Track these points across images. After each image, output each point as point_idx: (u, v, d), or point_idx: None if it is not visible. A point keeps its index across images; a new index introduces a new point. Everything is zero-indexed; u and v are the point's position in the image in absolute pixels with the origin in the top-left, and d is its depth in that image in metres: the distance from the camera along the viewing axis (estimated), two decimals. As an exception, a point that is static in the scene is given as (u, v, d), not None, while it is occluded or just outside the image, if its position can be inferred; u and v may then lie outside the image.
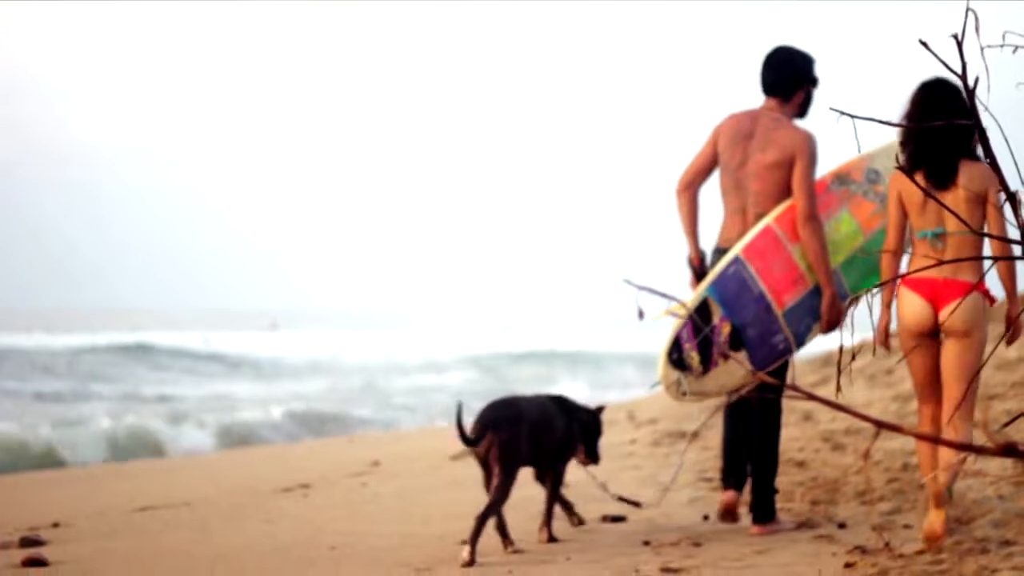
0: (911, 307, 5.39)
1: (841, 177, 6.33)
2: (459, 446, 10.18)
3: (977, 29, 2.83)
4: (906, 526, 5.82)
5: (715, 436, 9.74)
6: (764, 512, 6.13)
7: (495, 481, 5.69)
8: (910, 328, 5.41)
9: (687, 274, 6.36)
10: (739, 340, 5.95)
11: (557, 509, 6.14)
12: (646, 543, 5.79)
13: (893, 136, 6.06)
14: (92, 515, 7.51)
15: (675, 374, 5.88)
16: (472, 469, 9.17)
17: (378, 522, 6.79)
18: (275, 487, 8.52)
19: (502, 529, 5.78)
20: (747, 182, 6.21)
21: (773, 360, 6.03)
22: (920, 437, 2.50)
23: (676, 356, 5.89)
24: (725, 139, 6.28)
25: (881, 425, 2.50)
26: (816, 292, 6.12)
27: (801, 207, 6.06)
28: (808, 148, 6.13)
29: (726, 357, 5.85)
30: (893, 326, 5.65)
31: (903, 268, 5.62)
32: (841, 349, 3.51)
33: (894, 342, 5.78)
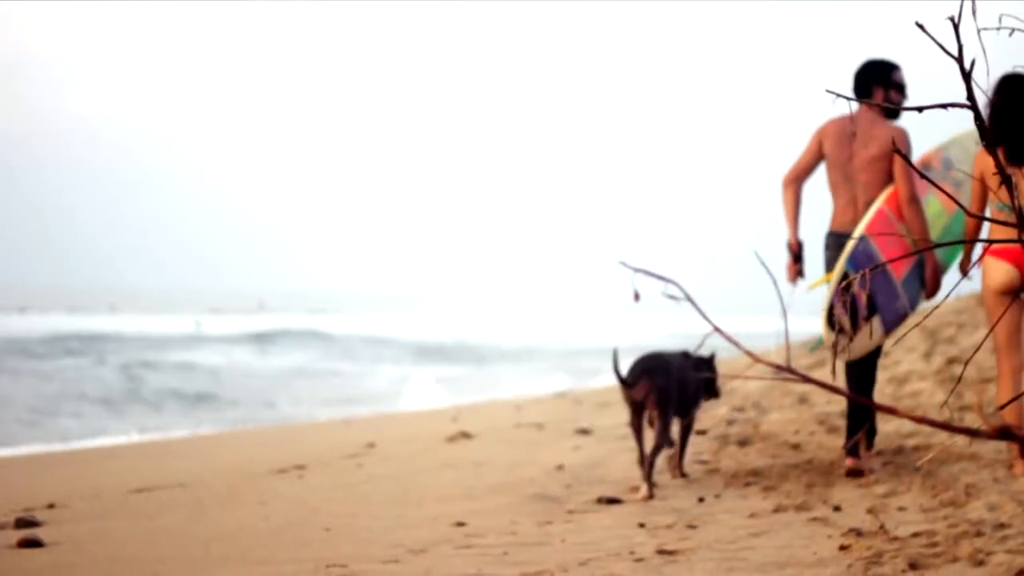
0: (999, 271, 6.29)
1: (924, 166, 7.44)
2: (454, 428, 10.16)
3: (974, 12, 2.83)
4: (901, 508, 5.82)
5: (710, 418, 9.75)
6: (856, 448, 7.04)
7: (657, 425, 6.81)
8: (996, 289, 6.30)
9: (785, 256, 7.44)
10: (873, 306, 7.01)
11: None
12: (641, 525, 5.80)
13: (962, 128, 7.48)
14: (87, 496, 7.51)
15: (833, 336, 6.93)
16: (466, 451, 9.20)
17: (373, 503, 6.80)
18: (270, 468, 8.53)
19: (650, 469, 6.71)
20: (855, 174, 7.20)
21: (897, 322, 7.16)
22: (914, 419, 2.50)
23: (833, 321, 6.90)
24: (831, 140, 7.28)
25: (877, 407, 2.50)
26: (920, 263, 7.24)
27: (903, 192, 7.10)
28: (904, 141, 7.16)
29: (866, 320, 6.94)
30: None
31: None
32: (837, 333, 3.50)
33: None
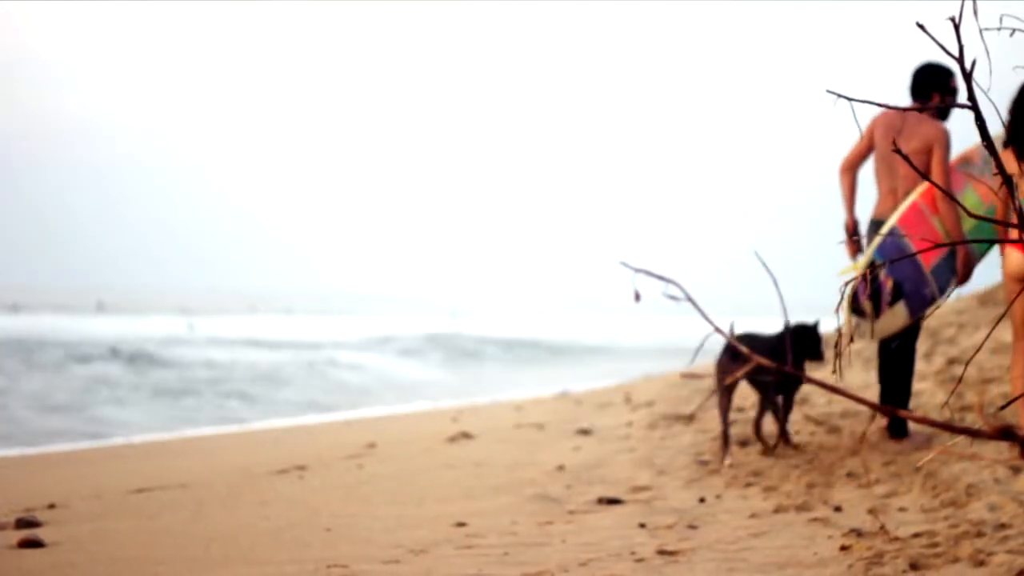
0: (1016, 259, 6.53)
1: (966, 160, 7.94)
2: (455, 428, 10.15)
3: (975, 12, 2.83)
4: (902, 509, 5.82)
5: (711, 419, 9.75)
6: (899, 429, 7.85)
7: (759, 401, 7.77)
8: (1014, 275, 6.54)
9: (841, 235, 8.11)
10: (899, 292, 7.58)
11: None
12: (642, 525, 5.80)
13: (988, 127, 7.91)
14: (88, 496, 7.51)
15: (855, 319, 7.57)
16: (467, 451, 9.19)
17: (373, 503, 6.80)
18: (271, 469, 8.53)
19: (725, 439, 7.65)
20: (897, 167, 7.80)
21: (925, 306, 7.69)
22: (914, 419, 2.49)
23: (856, 306, 7.52)
24: (880, 132, 7.87)
25: (878, 408, 2.50)
26: (952, 253, 7.73)
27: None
28: (944, 139, 7.72)
29: (890, 305, 7.58)
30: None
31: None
32: (839, 332, 3.51)
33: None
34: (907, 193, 7.72)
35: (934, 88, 7.89)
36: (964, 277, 7.82)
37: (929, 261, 7.64)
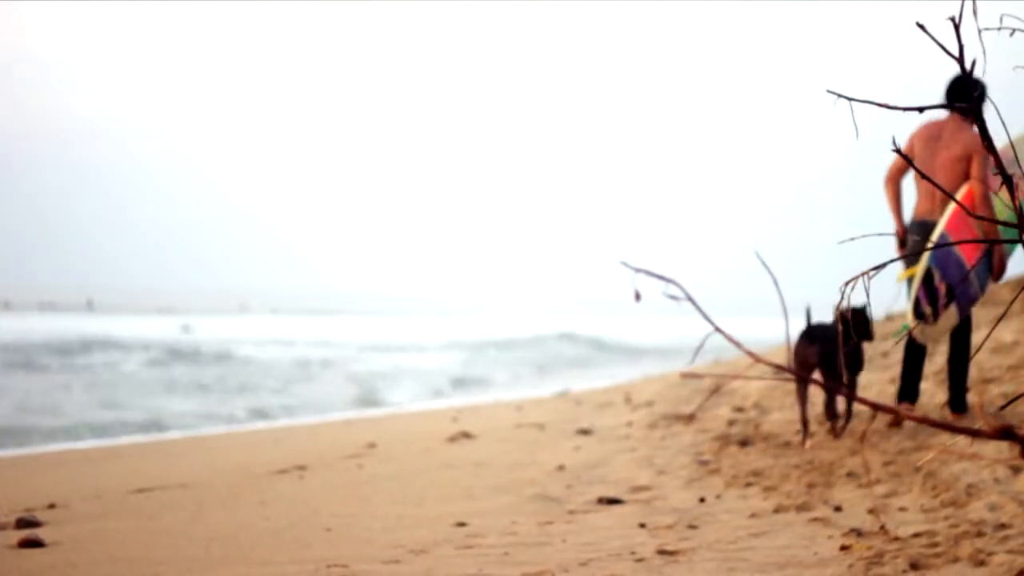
0: None
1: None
2: (455, 428, 10.15)
3: (975, 12, 2.83)
4: (902, 509, 5.82)
5: (711, 419, 9.75)
6: (959, 404, 8.57)
7: (825, 383, 7.72)
8: None
9: (893, 242, 8.70)
10: (951, 294, 8.13)
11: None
12: (642, 525, 5.80)
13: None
14: (88, 496, 7.51)
15: (916, 323, 8.17)
16: (467, 451, 9.20)
17: (373, 503, 6.80)
18: (271, 469, 8.53)
19: (804, 424, 8.12)
20: (935, 172, 8.29)
21: (971, 305, 8.32)
22: (915, 419, 2.49)
23: (918, 310, 8.12)
24: (920, 141, 8.45)
25: (877, 408, 2.50)
26: (989, 253, 8.30)
27: (977, 191, 8.20)
28: (981, 145, 7.96)
29: (946, 307, 8.15)
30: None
31: None
32: (839, 332, 3.51)
33: None
34: (944, 197, 8.27)
35: (968, 98, 8.41)
36: (999, 273, 8.44)
37: (971, 261, 8.16)
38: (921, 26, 2.77)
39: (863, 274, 3.11)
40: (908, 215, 8.70)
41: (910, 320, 8.22)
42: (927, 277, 8.11)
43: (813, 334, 8.14)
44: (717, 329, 2.99)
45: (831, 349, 8.05)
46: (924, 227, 8.44)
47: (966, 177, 8.32)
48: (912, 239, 8.49)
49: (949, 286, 8.14)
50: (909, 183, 8.78)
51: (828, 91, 2.85)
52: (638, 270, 3.28)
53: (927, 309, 8.16)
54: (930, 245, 8.10)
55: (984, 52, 2.82)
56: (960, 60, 2.76)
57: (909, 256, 8.32)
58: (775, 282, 3.16)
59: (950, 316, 8.26)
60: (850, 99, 2.75)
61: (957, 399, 8.60)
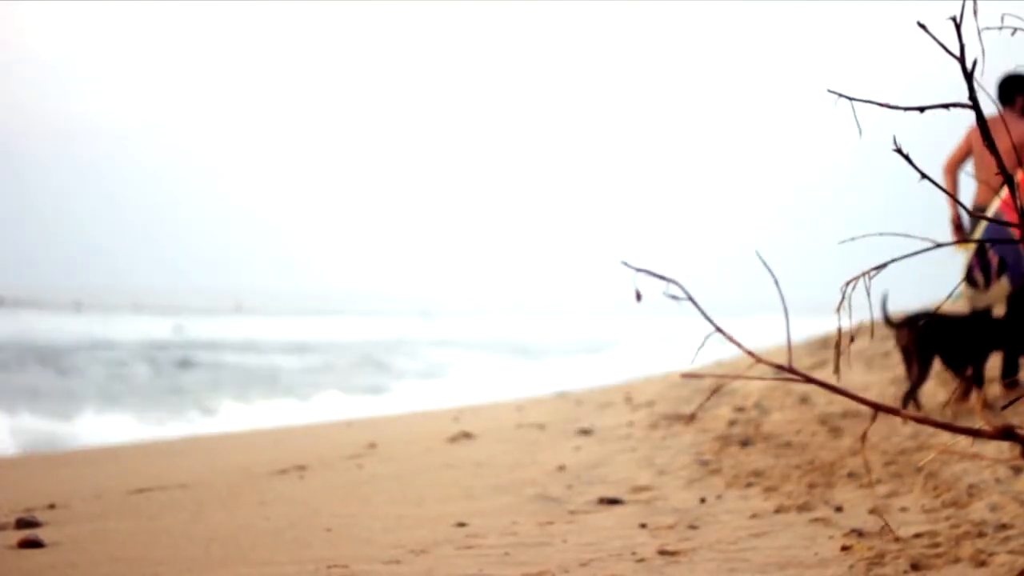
0: None
1: None
2: (455, 428, 10.16)
3: (975, 12, 2.82)
4: (903, 509, 5.82)
5: (712, 419, 9.74)
6: (1011, 370, 9.08)
7: (914, 368, 8.63)
8: None
9: (949, 229, 9.52)
10: (1003, 267, 8.79)
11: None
12: (643, 526, 5.80)
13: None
14: (88, 497, 7.51)
15: (969, 290, 8.86)
16: (467, 451, 9.18)
17: (374, 503, 6.79)
18: (271, 469, 8.52)
19: (916, 402, 8.57)
20: (990, 164, 8.97)
21: (1022, 278, 8.78)
22: (915, 419, 2.49)
23: (970, 279, 8.82)
24: (975, 135, 9.30)
25: (879, 408, 2.50)
26: None
27: None
28: None
29: (997, 278, 8.83)
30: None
31: None
32: (839, 332, 3.50)
33: None
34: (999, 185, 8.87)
35: (1019, 91, 9.41)
36: None
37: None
38: (922, 26, 2.77)
39: (864, 274, 3.11)
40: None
41: (962, 288, 8.85)
42: (980, 248, 8.81)
43: (909, 319, 8.68)
44: (718, 329, 2.99)
45: (922, 334, 8.57)
46: (981, 212, 8.92)
47: (1019, 165, 8.73)
48: (972, 223, 9.27)
49: (1001, 259, 8.79)
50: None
51: (829, 91, 2.84)
52: (639, 270, 3.28)
53: (979, 277, 8.84)
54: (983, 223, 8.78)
55: (984, 52, 2.82)
56: (961, 60, 2.76)
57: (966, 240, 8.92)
58: (775, 282, 3.15)
59: (1002, 287, 8.86)
60: (851, 99, 2.74)
61: (1011, 372, 9.09)
